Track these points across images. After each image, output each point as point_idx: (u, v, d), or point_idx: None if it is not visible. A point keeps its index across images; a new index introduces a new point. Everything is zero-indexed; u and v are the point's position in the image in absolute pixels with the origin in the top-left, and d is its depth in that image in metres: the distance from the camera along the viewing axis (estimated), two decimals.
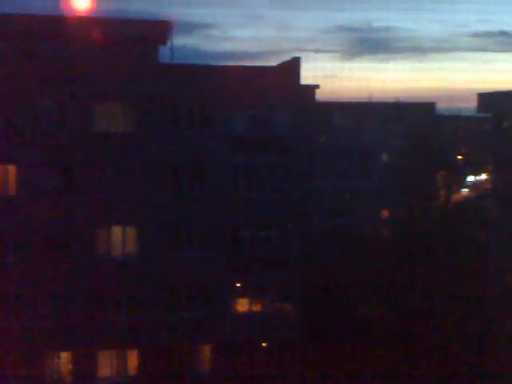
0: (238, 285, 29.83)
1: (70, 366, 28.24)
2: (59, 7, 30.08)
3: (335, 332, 35.16)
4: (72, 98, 27.44)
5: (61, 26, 27.14)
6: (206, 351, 29.62)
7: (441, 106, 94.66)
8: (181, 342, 28.93)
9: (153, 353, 28.62)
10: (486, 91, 40.39)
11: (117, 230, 28.38)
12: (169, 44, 29.44)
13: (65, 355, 28.21)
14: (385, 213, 64.84)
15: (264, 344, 30.02)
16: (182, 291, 28.84)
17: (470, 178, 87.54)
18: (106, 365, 28.56)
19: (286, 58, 31.30)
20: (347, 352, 33.71)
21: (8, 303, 27.27)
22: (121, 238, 28.44)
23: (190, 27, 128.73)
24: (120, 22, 28.57)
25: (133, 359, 28.83)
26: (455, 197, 72.23)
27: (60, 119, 27.65)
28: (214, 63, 29.88)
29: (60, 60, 27.61)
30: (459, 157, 79.95)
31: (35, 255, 27.35)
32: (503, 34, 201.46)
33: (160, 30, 28.58)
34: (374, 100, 68.18)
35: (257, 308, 30.08)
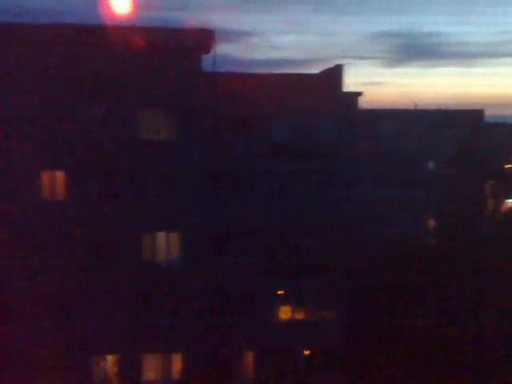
0: (281, 292, 29.87)
1: (115, 369, 28.73)
2: (98, 14, 30.58)
3: (379, 340, 34.84)
4: (117, 106, 28.08)
5: (106, 35, 27.85)
6: (249, 358, 29.72)
7: (489, 113, 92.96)
8: (224, 347, 29.10)
9: (196, 358, 28.89)
10: None
11: (161, 236, 28.84)
12: (212, 52, 29.86)
13: (110, 358, 28.71)
14: (431, 222, 64.02)
15: (307, 352, 29.95)
16: (226, 297, 29.05)
17: None
18: (150, 368, 28.96)
19: (329, 64, 31.43)
20: (391, 361, 33.34)
21: (55, 306, 27.92)
22: (165, 244, 28.89)
23: (232, 35, 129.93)
24: (164, 31, 29.12)
25: (177, 363, 29.16)
26: (503, 206, 70.76)
27: (106, 127, 28.32)
28: (256, 71, 29.99)
29: (105, 69, 28.33)
30: (507, 165, 78.37)
31: (82, 259, 27.99)
32: None
33: (203, 38, 29.05)
34: (420, 107, 67.52)
35: (299, 315, 30.06)
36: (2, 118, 27.53)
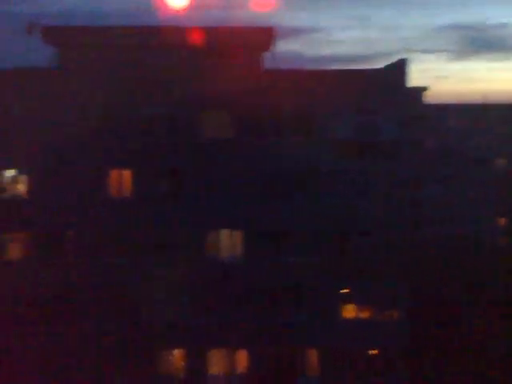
0: (345, 291, 29.68)
1: (182, 363, 29.27)
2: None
3: (445, 343, 34.10)
4: (181, 106, 28.58)
5: (168, 35, 28.40)
6: (313, 356, 29.67)
7: None
8: (288, 345, 29.18)
9: (261, 354, 29.07)
10: None
11: (225, 234, 29.17)
12: (273, 49, 29.94)
13: (177, 352, 29.27)
14: (502, 221, 62.12)
15: (371, 351, 29.66)
16: (288, 296, 29.12)
17: None
18: (216, 363, 29.34)
19: (393, 59, 30.95)
20: (456, 365, 32.58)
21: (121, 301, 28.65)
22: (229, 242, 29.20)
23: (293, 32, 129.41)
24: (225, 30, 29.43)
25: (242, 359, 29.43)
26: None
27: (170, 126, 28.87)
28: (318, 67, 29.85)
29: (168, 69, 28.85)
30: None
31: (147, 256, 28.65)
32: None
33: (264, 36, 29.16)
34: (489, 101, 65.53)
35: (364, 314, 29.79)
36: (74, 117, 28.43)
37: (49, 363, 28.14)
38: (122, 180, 28.89)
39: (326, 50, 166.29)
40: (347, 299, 29.59)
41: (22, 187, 28.69)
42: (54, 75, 28.70)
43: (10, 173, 28.73)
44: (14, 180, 28.68)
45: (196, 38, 28.95)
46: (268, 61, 30.10)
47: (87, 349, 28.27)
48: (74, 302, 28.28)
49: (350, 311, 29.78)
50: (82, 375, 28.18)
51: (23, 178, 28.67)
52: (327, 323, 29.17)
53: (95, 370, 28.28)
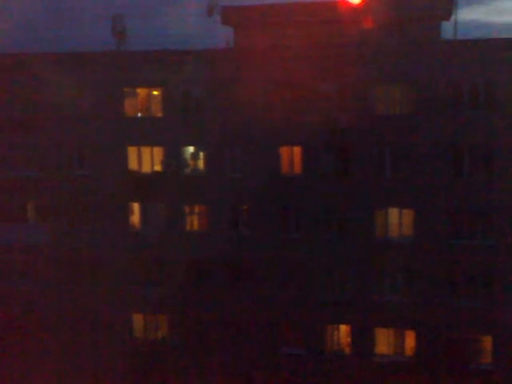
0: None
1: (348, 340, 29.58)
2: None
3: None
4: (353, 80, 28.08)
5: (341, 9, 27.85)
6: (488, 342, 28.23)
7: None
8: (459, 330, 28.07)
9: (430, 337, 28.34)
10: None
11: (393, 212, 28.51)
12: (452, 19, 28.03)
13: (344, 328, 29.61)
14: None
15: None
16: (462, 279, 27.89)
17: None
18: (383, 342, 29.20)
19: None
20: None
21: (292, 274, 29.53)
22: (397, 221, 28.50)
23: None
24: (402, 1, 28.14)
25: (410, 340, 28.94)
26: None
27: (341, 102, 28.56)
28: (504, 36, 27.35)
29: (342, 43, 28.41)
30: None
31: (316, 232, 29.06)
32: None
33: (444, 5, 27.39)
34: None
35: None
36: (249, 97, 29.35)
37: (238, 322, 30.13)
38: (292, 157, 29.37)
39: None
40: None
41: (200, 163, 30.52)
42: (231, 56, 29.70)
43: (189, 149, 30.69)
44: (194, 156, 30.59)
45: (372, 10, 28.10)
46: (447, 31, 28.33)
47: (262, 313, 29.63)
48: (249, 273, 29.77)
49: None
50: (258, 334, 29.71)
51: (202, 154, 30.47)
52: (502, 309, 27.48)
53: (267, 332, 29.71)
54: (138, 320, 31.40)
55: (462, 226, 27.84)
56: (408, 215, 28.39)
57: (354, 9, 27.98)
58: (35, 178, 31.42)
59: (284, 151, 29.41)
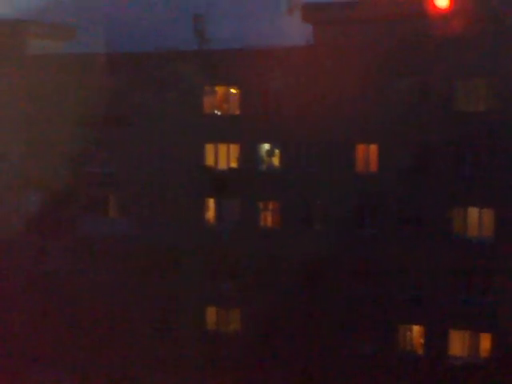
0: None
1: (421, 340, 29.17)
2: None
3: None
4: (434, 76, 27.76)
5: (424, 4, 27.57)
6: None
7: None
8: None
9: (508, 340, 27.64)
10: None
11: (473, 212, 28.00)
12: None
13: (417, 329, 29.22)
14: None
15: None
16: None
17: None
18: (457, 344, 28.65)
19: None
20: None
21: (367, 272, 29.42)
22: (477, 220, 27.98)
23: None
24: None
25: (486, 342, 28.29)
26: None
27: (420, 98, 28.28)
28: None
29: (419, 39, 28.11)
30: None
31: (387, 229, 28.81)
32: None
33: None
34: None
35: None
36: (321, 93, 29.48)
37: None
38: (368, 155, 29.30)
39: None
40: None
41: (276, 160, 30.84)
42: (309, 52, 29.88)
43: (265, 146, 31.05)
44: (270, 153, 30.94)
45: (454, 4, 27.70)
46: None
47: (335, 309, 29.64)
48: (322, 270, 29.83)
49: None
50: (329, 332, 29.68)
51: (277, 151, 30.78)
52: None
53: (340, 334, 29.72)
54: (211, 313, 31.95)
55: None
56: (488, 215, 27.82)
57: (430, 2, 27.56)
58: (116, 174, 32.54)
59: (360, 149, 29.37)
